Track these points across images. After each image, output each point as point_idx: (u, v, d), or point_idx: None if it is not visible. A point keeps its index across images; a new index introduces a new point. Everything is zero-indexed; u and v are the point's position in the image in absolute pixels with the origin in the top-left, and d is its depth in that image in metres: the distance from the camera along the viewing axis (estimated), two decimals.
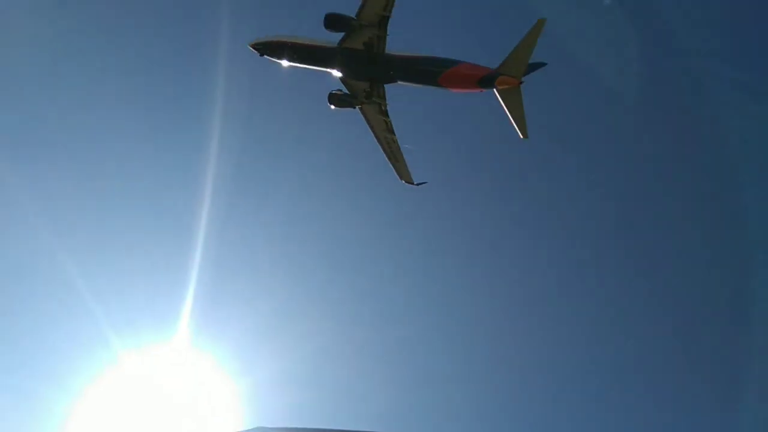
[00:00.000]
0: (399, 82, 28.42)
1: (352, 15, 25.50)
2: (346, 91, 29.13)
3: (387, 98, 29.12)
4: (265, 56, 28.85)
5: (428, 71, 27.46)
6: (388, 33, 25.60)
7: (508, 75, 26.51)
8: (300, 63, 28.78)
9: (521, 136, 27.43)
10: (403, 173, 30.66)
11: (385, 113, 29.21)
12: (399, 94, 30.18)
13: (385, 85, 28.25)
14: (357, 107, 29.45)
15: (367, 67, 27.19)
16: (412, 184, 30.85)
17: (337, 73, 28.75)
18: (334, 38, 27.45)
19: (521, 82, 26.75)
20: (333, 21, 26.20)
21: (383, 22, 25.18)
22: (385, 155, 30.39)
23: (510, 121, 27.74)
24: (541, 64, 27.83)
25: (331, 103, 29.57)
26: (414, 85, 28.69)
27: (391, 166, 30.65)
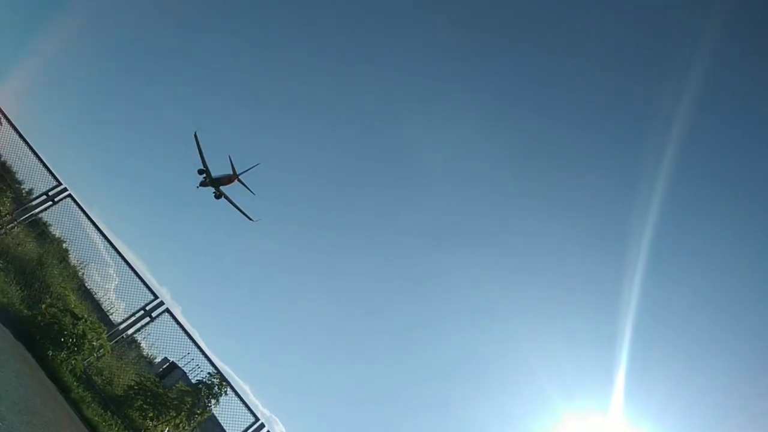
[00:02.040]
0: (222, 188, 49.48)
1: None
2: (216, 193, 49.93)
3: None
4: (200, 187, 49.83)
5: (223, 179, 48.90)
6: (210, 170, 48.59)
7: (233, 174, 48.08)
8: (206, 186, 49.36)
9: (252, 194, 49.48)
10: (246, 217, 51.24)
11: (228, 198, 50.77)
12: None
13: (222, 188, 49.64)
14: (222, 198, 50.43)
15: (213, 184, 48.73)
16: (252, 220, 51.95)
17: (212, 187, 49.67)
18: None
19: (238, 177, 47.89)
20: (200, 171, 48.03)
21: (208, 168, 47.95)
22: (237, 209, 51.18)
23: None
24: (255, 165, 49.21)
25: (216, 198, 50.21)
26: (223, 187, 49.59)
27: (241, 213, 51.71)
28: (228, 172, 50.32)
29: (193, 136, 47.42)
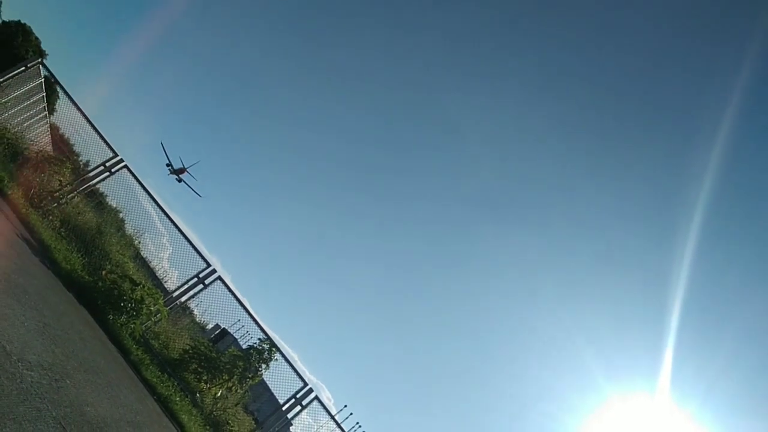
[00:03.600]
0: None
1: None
2: (177, 178, 59.22)
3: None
4: (169, 174, 59.04)
5: (180, 170, 58.82)
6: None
7: (183, 168, 57.56)
8: (172, 174, 59.58)
9: (194, 179, 58.85)
10: (196, 194, 60.91)
11: (185, 182, 60.65)
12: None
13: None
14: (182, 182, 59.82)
15: (175, 172, 58.04)
16: (201, 196, 61.14)
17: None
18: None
19: (186, 169, 58.87)
20: (167, 165, 60.07)
21: (171, 163, 59.05)
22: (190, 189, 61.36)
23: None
24: (196, 162, 59.36)
25: (177, 182, 59.45)
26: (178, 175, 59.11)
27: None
28: (181, 166, 59.06)
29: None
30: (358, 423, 17.15)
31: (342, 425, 15.74)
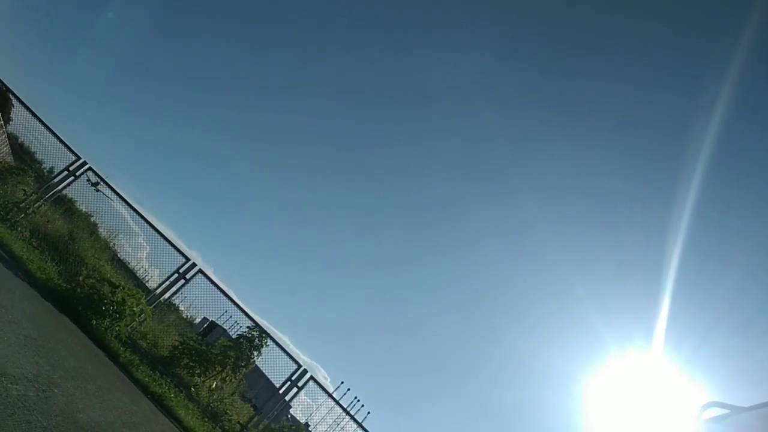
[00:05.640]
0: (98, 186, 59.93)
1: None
2: (94, 188, 62.59)
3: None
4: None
5: (95, 183, 59.50)
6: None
7: (99, 181, 56.16)
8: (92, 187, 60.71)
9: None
10: (108, 197, 63.44)
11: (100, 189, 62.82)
12: None
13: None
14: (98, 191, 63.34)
15: (93, 185, 61.02)
16: (112, 200, 63.25)
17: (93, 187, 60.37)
18: None
19: (103, 181, 57.47)
20: (87, 180, 58.83)
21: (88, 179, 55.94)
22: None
23: None
24: (108, 175, 51.91)
25: (95, 191, 63.24)
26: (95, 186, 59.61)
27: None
28: (96, 180, 55.10)
29: None
30: (356, 397, 17.38)
31: (340, 402, 15.89)
